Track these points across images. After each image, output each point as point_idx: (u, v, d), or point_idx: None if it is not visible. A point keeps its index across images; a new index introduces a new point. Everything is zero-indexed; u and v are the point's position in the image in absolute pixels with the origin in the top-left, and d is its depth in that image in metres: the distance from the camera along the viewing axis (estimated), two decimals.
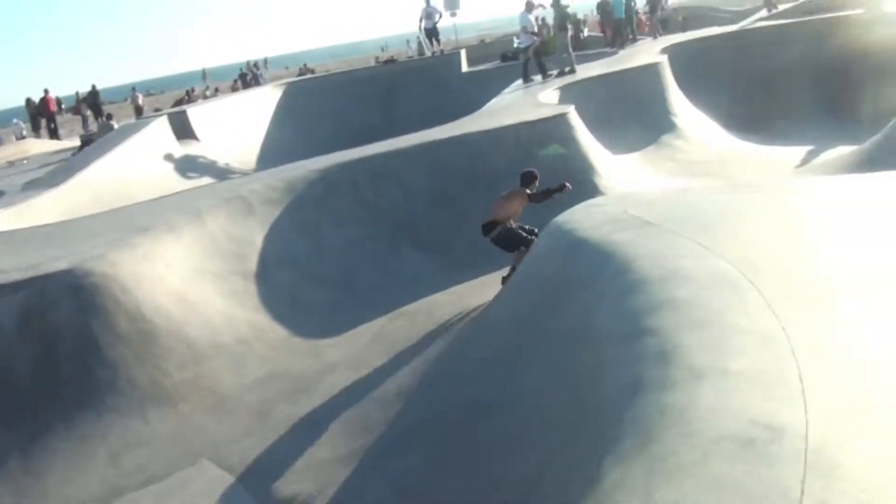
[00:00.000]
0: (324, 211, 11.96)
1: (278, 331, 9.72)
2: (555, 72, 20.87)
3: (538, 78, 20.81)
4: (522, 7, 20.73)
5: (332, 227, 11.84)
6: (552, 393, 5.31)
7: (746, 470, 2.82)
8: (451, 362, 7.90)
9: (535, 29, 21.16)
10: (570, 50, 21.06)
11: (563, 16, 20.87)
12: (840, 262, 4.99)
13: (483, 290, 10.09)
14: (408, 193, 12.66)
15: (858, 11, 23.84)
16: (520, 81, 21.06)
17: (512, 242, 9.60)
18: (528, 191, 9.76)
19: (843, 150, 16.53)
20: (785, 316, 4.21)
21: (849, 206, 6.44)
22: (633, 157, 17.02)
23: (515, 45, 27.62)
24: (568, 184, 9.72)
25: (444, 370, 7.82)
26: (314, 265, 11.21)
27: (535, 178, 9.87)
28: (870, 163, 13.75)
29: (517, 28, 22.73)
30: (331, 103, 25.21)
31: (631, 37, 27.62)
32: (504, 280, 9.57)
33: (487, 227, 9.70)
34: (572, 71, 20.59)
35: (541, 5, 21.03)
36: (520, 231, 9.59)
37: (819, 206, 6.59)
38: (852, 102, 19.80)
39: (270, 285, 10.42)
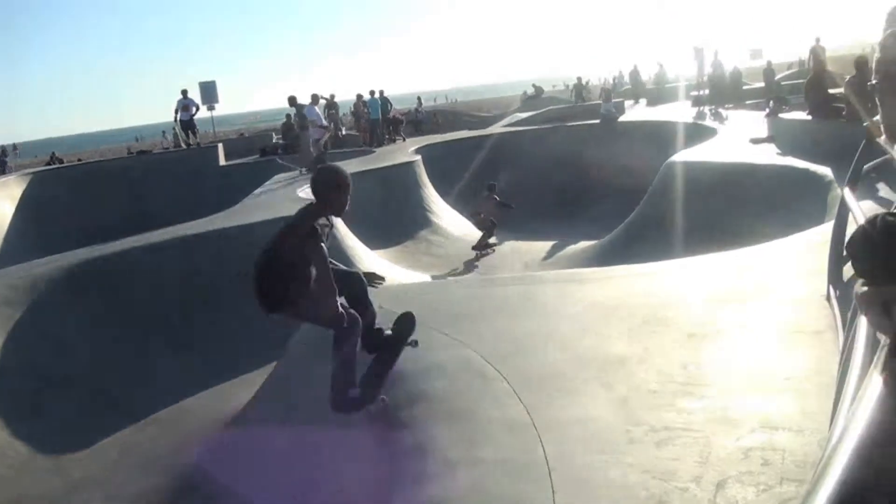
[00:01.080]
0: (69, 311, 11.11)
1: (18, 448, 8.75)
2: (303, 169, 21.19)
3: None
4: (308, 101, 21.18)
5: (77, 327, 11.00)
6: None
7: None
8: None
9: (325, 122, 21.50)
10: (312, 148, 21.48)
11: (302, 115, 21.31)
12: (578, 349, 5.37)
13: (241, 391, 9.70)
14: (161, 291, 12.09)
15: (595, 122, 26.46)
16: (279, 176, 21.11)
17: None
18: None
19: (583, 244, 17.97)
20: (530, 403, 4.46)
21: (586, 297, 6.99)
22: (391, 253, 17.44)
23: (274, 141, 27.82)
24: None
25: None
26: (57, 371, 10.30)
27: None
28: (604, 255, 15.14)
29: (277, 122, 22.94)
30: (80, 195, 23.76)
31: (387, 136, 28.67)
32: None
33: None
34: (322, 161, 20.91)
35: (323, 98, 21.53)
36: None
37: (560, 297, 7.09)
38: (588, 203, 21.73)
39: (7, 396, 9.42)
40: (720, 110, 24.74)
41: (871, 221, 1.46)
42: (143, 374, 10.81)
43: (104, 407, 9.98)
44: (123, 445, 9.07)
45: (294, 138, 21.68)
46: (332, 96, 27.03)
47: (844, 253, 5.10)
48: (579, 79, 42.09)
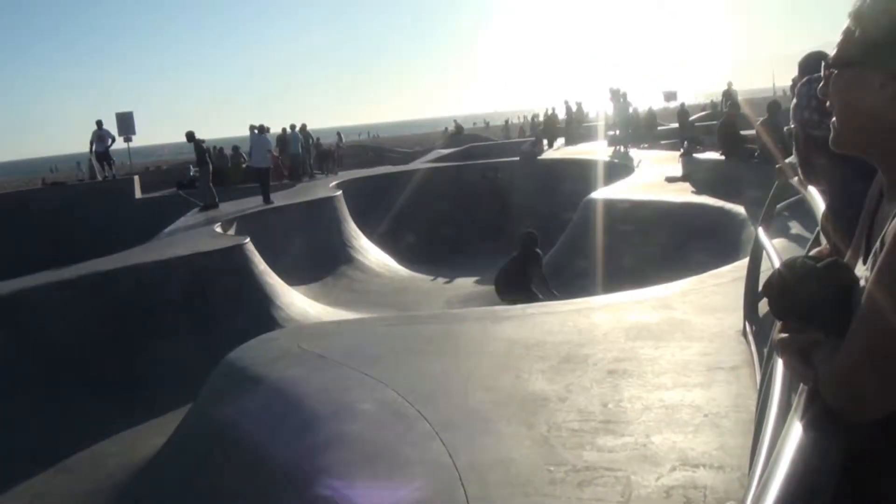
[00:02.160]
0: None
1: None
2: (200, 205, 20.90)
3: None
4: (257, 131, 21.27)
5: None
6: None
7: None
8: None
9: (276, 152, 21.30)
10: (210, 185, 21.20)
11: (200, 150, 21.01)
12: (499, 388, 5.31)
13: (155, 436, 9.29)
14: (73, 328, 11.58)
15: (515, 159, 26.82)
16: (196, 210, 20.73)
17: None
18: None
19: None
20: (451, 444, 4.37)
21: (506, 335, 6.95)
22: (312, 288, 17.20)
23: (192, 174, 27.33)
24: None
25: None
26: None
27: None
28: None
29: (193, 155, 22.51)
30: None
31: (309, 171, 28.47)
32: None
33: None
34: (214, 205, 20.67)
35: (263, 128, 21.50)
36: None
37: (481, 335, 7.04)
38: (509, 239, 21.89)
39: None
40: (636, 150, 25.36)
41: (788, 265, 1.44)
42: (54, 417, 10.31)
43: (10, 454, 9.44)
44: (34, 495, 8.58)
45: (206, 175, 21.24)
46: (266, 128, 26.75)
47: (760, 292, 5.24)
48: (506, 121, 42.85)
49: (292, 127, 28.37)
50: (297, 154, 27.89)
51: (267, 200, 20.42)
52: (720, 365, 5.31)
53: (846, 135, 1.38)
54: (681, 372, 5.29)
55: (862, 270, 1.35)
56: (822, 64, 1.43)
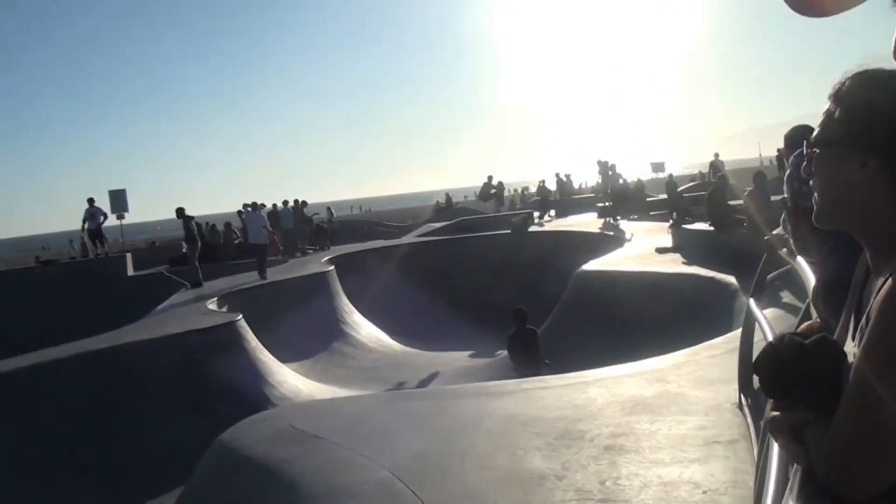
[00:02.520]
0: None
1: None
2: (188, 284, 20.96)
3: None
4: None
5: None
6: None
7: None
8: None
9: (269, 227, 22.06)
10: (197, 263, 21.32)
11: (188, 228, 21.16)
12: (496, 467, 5.24)
13: None
14: (64, 411, 11.45)
15: (506, 231, 26.97)
16: (184, 289, 20.76)
17: None
18: None
19: (498, 355, 17.93)
20: None
21: (502, 411, 6.89)
22: (305, 365, 17.08)
23: (184, 250, 27.38)
24: None
25: None
26: None
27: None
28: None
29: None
30: None
31: (300, 246, 28.58)
32: None
33: None
34: (199, 284, 20.73)
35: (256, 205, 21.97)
36: None
37: (476, 412, 6.97)
38: (501, 312, 21.81)
39: None
40: (626, 221, 25.58)
41: (777, 343, 1.45)
42: (42, 501, 10.11)
43: None
44: None
45: (194, 252, 21.32)
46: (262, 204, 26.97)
47: (751, 369, 5.22)
48: (489, 182, 43.17)
49: (284, 202, 28.60)
50: (290, 229, 28.06)
51: (262, 276, 20.53)
52: (717, 439, 5.26)
53: (828, 211, 1.41)
54: (678, 447, 5.23)
55: (851, 346, 1.37)
56: (805, 143, 1.47)
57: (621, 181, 29.00)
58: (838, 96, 1.38)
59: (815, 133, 1.42)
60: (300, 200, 29.70)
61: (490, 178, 39.03)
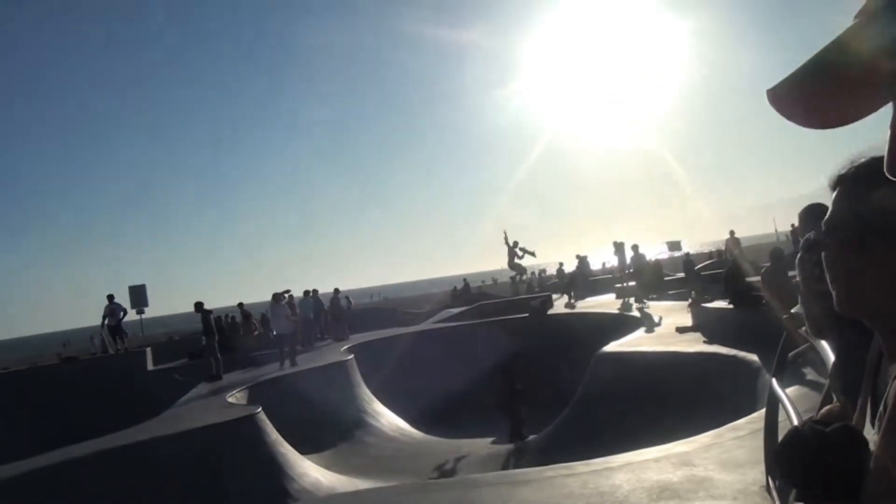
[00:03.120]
0: None
1: None
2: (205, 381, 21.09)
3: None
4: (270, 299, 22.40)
5: None
6: None
7: None
8: None
9: (293, 316, 22.66)
10: (217, 354, 21.38)
11: (206, 321, 21.29)
12: None
13: None
14: None
15: (525, 315, 26.92)
16: (204, 383, 20.79)
17: None
18: None
19: (528, 440, 17.72)
20: None
21: (524, 500, 6.78)
22: (325, 456, 16.89)
23: (203, 343, 27.57)
24: None
25: None
26: None
27: None
28: (539, 452, 14.91)
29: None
30: (6, 405, 22.82)
31: (319, 335, 28.64)
32: None
33: None
34: (218, 377, 20.79)
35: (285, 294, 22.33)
36: None
37: (498, 502, 6.87)
38: (525, 396, 21.62)
39: None
40: (644, 301, 25.51)
41: (796, 433, 1.45)
42: None
43: None
44: None
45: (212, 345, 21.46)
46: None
47: (774, 455, 5.15)
48: (513, 277, 43.57)
49: (305, 293, 28.80)
50: (309, 319, 28.17)
51: (282, 365, 21.10)
52: None
53: (846, 301, 1.41)
54: None
55: (871, 433, 1.37)
56: (821, 230, 1.48)
57: (635, 262, 29.02)
58: (844, 181, 1.39)
59: (826, 219, 1.42)
60: (311, 290, 30.02)
61: (506, 235, 39.07)
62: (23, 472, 11.67)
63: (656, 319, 20.34)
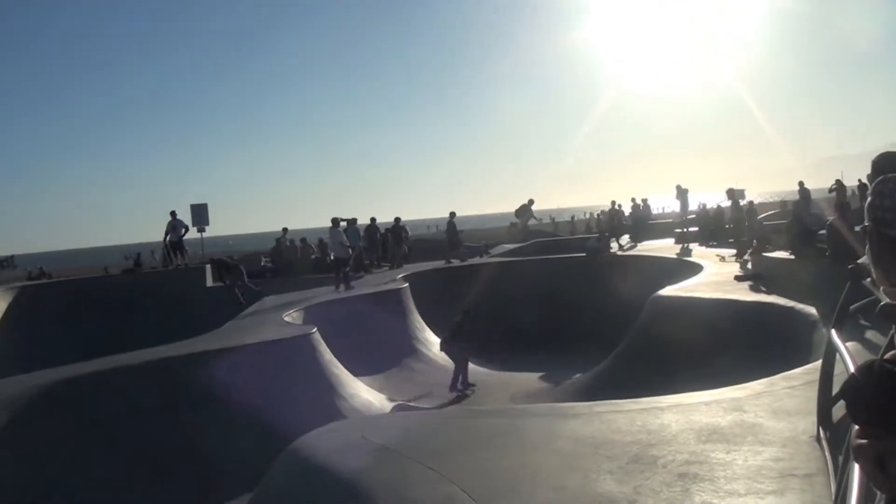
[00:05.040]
0: (42, 432, 10.80)
1: None
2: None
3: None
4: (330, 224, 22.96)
5: (50, 452, 10.67)
6: None
7: None
8: None
9: (347, 242, 22.90)
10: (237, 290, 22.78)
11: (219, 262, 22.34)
12: (565, 488, 5.22)
13: None
14: (139, 414, 11.78)
15: (581, 255, 26.74)
16: (268, 298, 21.31)
17: None
18: None
19: (569, 377, 17.80)
20: None
21: (572, 432, 6.85)
22: (377, 380, 17.22)
23: (262, 264, 28.24)
24: None
25: None
26: (34, 489, 9.97)
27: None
28: (590, 389, 14.96)
29: (266, 246, 23.45)
30: (66, 311, 23.70)
31: (375, 262, 28.90)
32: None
33: None
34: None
35: (343, 220, 22.70)
36: None
37: (546, 432, 6.94)
38: (574, 335, 21.62)
39: None
40: (705, 247, 25.14)
41: (867, 368, 1.43)
42: (114, 498, 10.43)
43: None
44: None
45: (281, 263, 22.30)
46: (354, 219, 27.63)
47: (837, 395, 5.07)
48: (573, 217, 43.17)
49: (347, 222, 28.95)
50: (356, 247, 28.37)
51: (338, 287, 21.74)
52: (794, 472, 5.14)
53: None
54: (753, 478, 5.13)
55: None
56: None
57: (700, 206, 28.46)
58: None
59: None
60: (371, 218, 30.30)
61: (531, 201, 38.16)
62: (83, 373, 12.14)
63: (715, 267, 20.05)
